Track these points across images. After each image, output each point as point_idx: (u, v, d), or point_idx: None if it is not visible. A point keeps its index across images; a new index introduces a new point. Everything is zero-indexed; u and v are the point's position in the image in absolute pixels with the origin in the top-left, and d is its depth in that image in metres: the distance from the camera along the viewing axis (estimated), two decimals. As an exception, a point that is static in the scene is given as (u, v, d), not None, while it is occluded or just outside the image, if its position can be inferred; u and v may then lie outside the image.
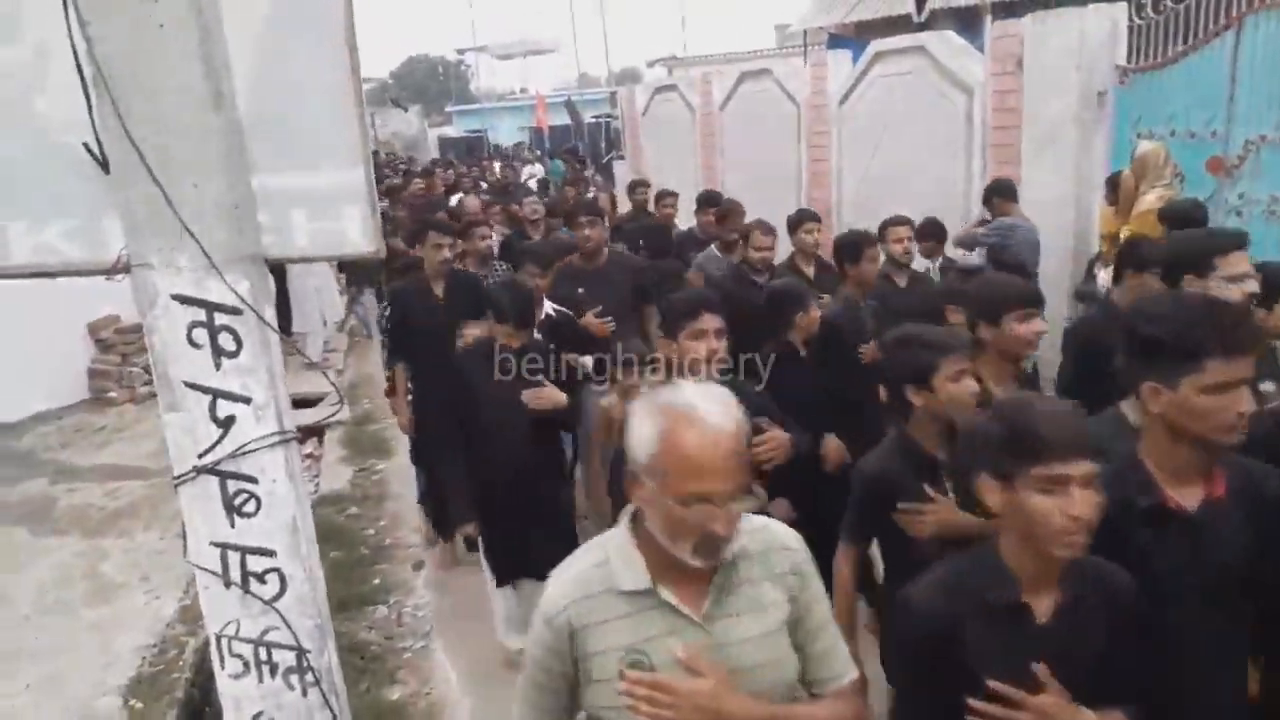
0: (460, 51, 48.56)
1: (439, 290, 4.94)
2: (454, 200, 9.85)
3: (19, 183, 1.93)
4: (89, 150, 1.81)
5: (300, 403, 7.95)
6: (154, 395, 2.11)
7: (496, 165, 20.05)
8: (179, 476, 1.98)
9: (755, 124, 9.71)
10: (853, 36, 13.39)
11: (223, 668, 2.10)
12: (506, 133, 36.92)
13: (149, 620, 4.35)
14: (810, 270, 5.19)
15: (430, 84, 55.95)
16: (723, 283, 5.16)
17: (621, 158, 14.13)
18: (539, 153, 24.15)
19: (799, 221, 5.32)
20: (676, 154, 11.36)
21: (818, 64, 8.69)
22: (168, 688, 3.91)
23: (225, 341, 1.91)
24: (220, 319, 1.89)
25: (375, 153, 23.64)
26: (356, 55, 1.90)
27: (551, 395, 3.78)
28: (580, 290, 5.03)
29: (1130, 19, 5.85)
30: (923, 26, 9.00)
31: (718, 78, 10.63)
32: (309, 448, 7.34)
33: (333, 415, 7.53)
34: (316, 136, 1.93)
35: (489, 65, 52.08)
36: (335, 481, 6.40)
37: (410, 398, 5.12)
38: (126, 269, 1.86)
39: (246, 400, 1.95)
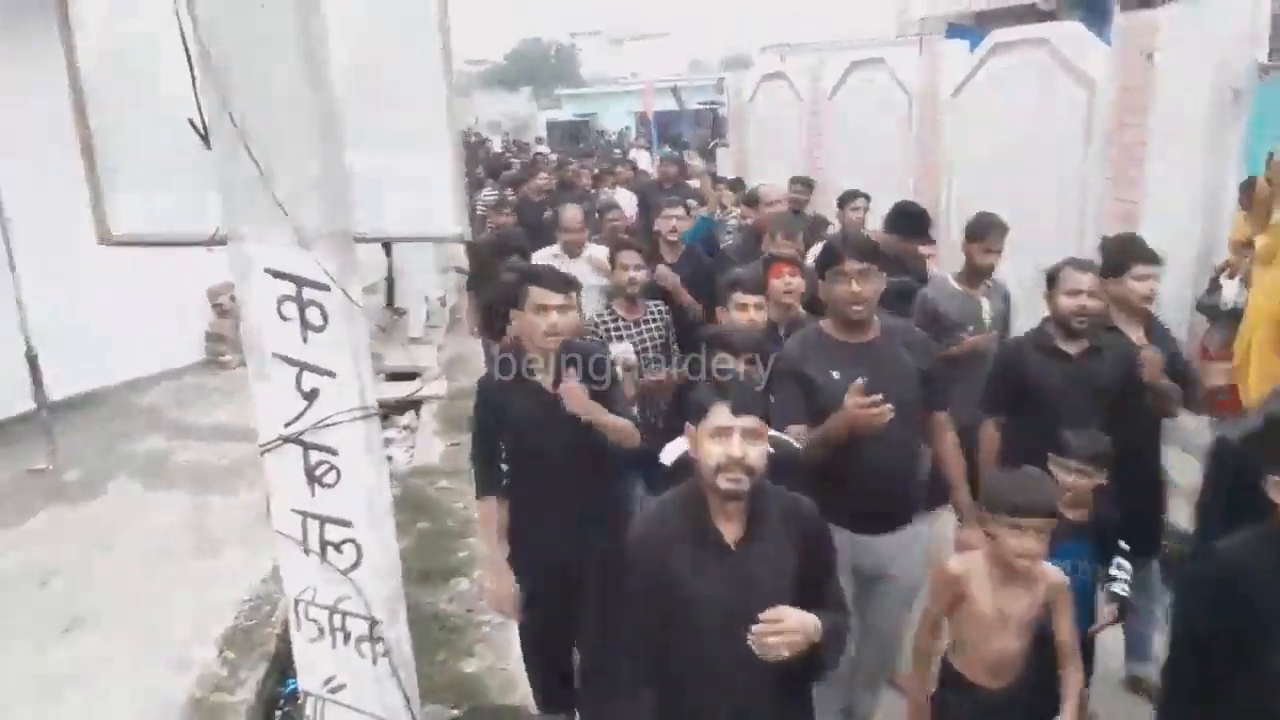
0: (573, 35, 48.92)
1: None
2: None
3: (133, 155, 2.02)
4: (193, 125, 1.89)
5: (400, 376, 8.29)
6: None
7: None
8: (265, 444, 2.05)
9: (864, 114, 9.49)
10: (973, 26, 12.93)
11: (299, 630, 2.18)
12: (614, 117, 37.08)
13: (247, 576, 4.55)
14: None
15: (542, 67, 56.58)
16: (1020, 352, 3.51)
17: (725, 144, 14.01)
18: (644, 140, 24.13)
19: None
20: (780, 142, 11.20)
21: (932, 54, 8.40)
22: (260, 641, 4.10)
23: (313, 316, 1.97)
24: (309, 294, 1.95)
25: (480, 137, 23.93)
26: (449, 40, 1.92)
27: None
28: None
29: (1274, 12, 5.44)
30: (1049, 15, 8.60)
31: (828, 65, 10.41)
32: (406, 420, 7.58)
33: (423, 389, 7.76)
34: (409, 119, 1.97)
35: (601, 49, 52.35)
36: (428, 454, 6.55)
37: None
38: (223, 241, 1.93)
39: (331, 374, 2.00)
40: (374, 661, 2.18)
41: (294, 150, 1.87)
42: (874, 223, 5.60)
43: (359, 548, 2.11)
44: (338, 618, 2.14)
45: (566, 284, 3.03)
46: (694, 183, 9.85)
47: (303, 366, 2.00)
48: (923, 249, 4.92)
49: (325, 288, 1.94)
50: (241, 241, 1.92)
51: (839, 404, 2.71)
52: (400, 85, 1.93)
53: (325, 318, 1.97)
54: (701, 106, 25.09)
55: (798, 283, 3.91)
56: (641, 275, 4.26)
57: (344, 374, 2.01)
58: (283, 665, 4.01)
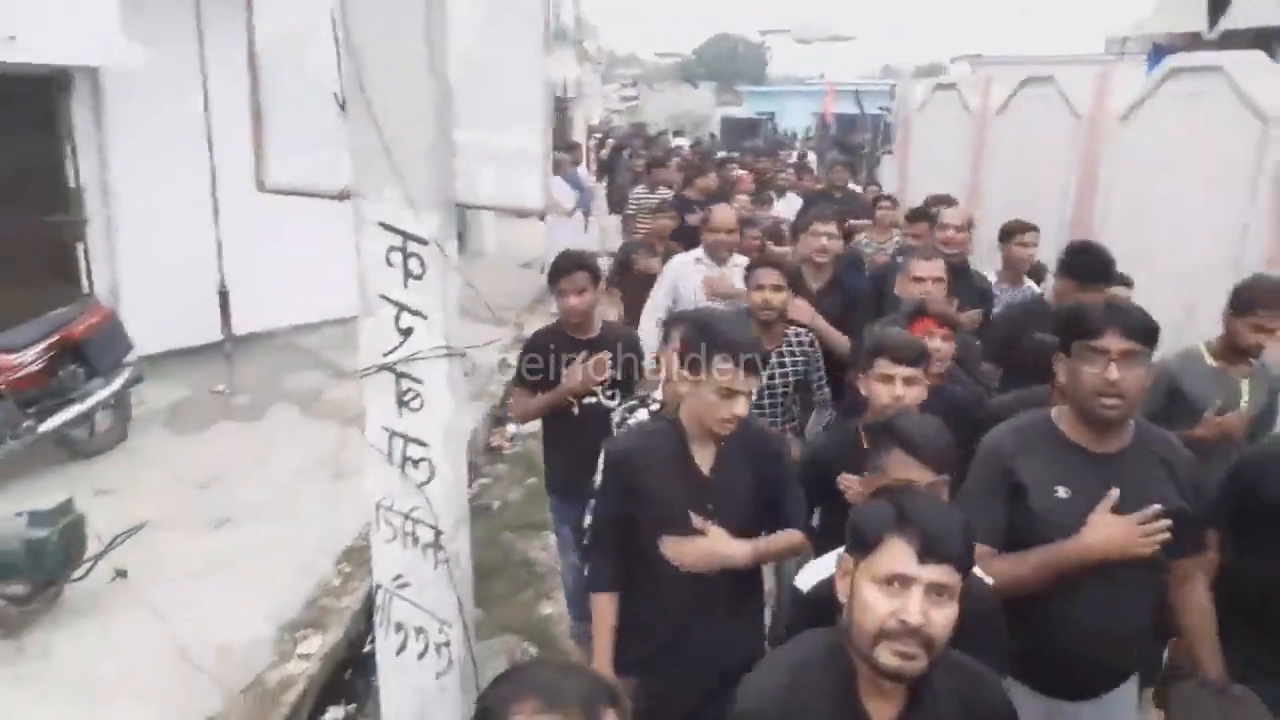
0: (762, 33, 48.81)
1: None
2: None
3: (288, 120, 2.45)
4: (335, 98, 2.29)
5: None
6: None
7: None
8: (364, 369, 2.44)
9: (1029, 132, 9.22)
10: (1185, 47, 12.12)
11: (378, 531, 2.57)
12: (794, 116, 36.92)
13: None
14: None
15: (729, 63, 56.78)
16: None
17: (890, 153, 13.84)
18: (812, 143, 23.98)
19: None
20: (945, 155, 11.00)
21: (1104, 75, 8.10)
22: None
23: (413, 266, 2.34)
24: (411, 247, 2.32)
25: (608, 133, 23.98)
26: (549, 34, 2.23)
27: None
28: None
29: None
30: (1224, 44, 8.09)
31: (999, 80, 10.15)
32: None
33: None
34: (510, 102, 2.29)
35: (789, 48, 52.00)
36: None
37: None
38: (348, 196, 2.32)
39: (424, 316, 2.37)
40: (435, 566, 2.53)
41: (410, 124, 2.24)
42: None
43: (433, 466, 2.47)
44: (409, 524, 2.51)
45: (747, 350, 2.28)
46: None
47: (401, 307, 2.37)
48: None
49: (425, 242, 2.30)
50: (362, 198, 2.31)
51: (1057, 531, 2.13)
52: (504, 74, 2.25)
53: (424, 268, 2.33)
54: (879, 112, 24.71)
55: (947, 349, 3.19)
56: (780, 298, 3.64)
57: (434, 317, 2.37)
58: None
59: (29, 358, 5.08)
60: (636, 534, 2.42)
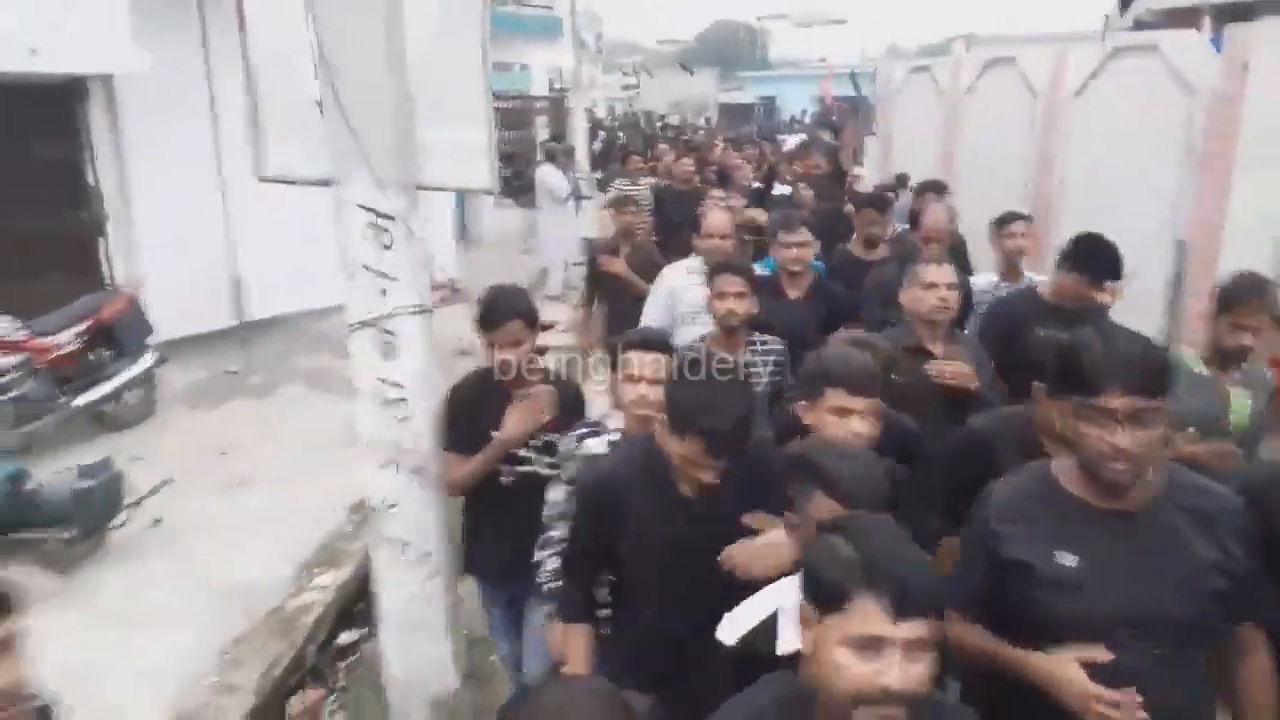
0: (759, 18, 49.15)
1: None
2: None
3: (280, 119, 2.98)
4: (317, 104, 2.81)
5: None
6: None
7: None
8: (351, 325, 2.97)
9: (995, 112, 9.66)
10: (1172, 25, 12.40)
11: (371, 460, 3.10)
12: (795, 100, 37.21)
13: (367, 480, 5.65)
14: None
15: (731, 49, 57.00)
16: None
17: (874, 134, 14.27)
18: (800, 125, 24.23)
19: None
20: (920, 136, 11.44)
21: (1060, 54, 8.52)
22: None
23: (385, 239, 2.86)
24: (383, 223, 2.84)
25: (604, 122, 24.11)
26: (488, 50, 2.74)
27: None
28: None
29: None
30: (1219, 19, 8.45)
31: (966, 62, 10.58)
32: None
33: (550, 340, 8.73)
34: (459, 103, 2.81)
35: (789, 33, 52.26)
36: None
37: None
38: (329, 182, 2.84)
39: (396, 279, 2.89)
40: (418, 489, 3.07)
41: (377, 123, 2.76)
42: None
43: (410, 405, 3.00)
44: (395, 453, 3.04)
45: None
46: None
47: (378, 273, 2.90)
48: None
49: (393, 219, 2.82)
50: (341, 184, 2.83)
51: (1069, 605, 1.83)
52: (453, 80, 2.77)
53: (393, 240, 2.86)
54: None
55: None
56: (745, 305, 3.42)
57: (405, 280, 2.90)
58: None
59: (64, 340, 5.66)
60: (618, 566, 2.32)
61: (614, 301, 5.50)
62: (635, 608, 2.38)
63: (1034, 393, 2.49)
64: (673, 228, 6.85)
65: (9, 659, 1.52)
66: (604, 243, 5.92)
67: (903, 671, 1.34)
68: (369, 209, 2.82)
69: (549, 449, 2.95)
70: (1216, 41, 6.77)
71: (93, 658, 3.78)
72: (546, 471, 2.95)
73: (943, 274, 3.34)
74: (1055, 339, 2.30)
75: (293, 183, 2.98)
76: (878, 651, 1.35)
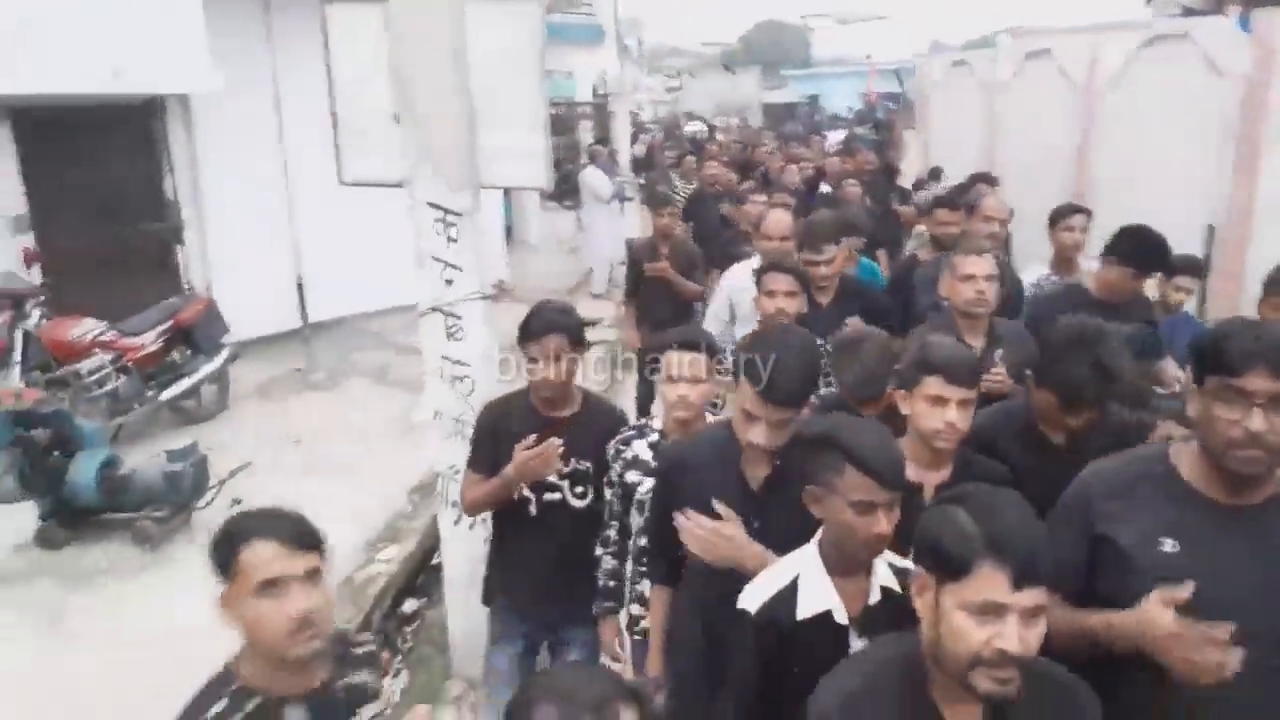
0: (803, 17, 49.15)
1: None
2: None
3: (360, 129, 3.34)
4: (395, 117, 3.16)
5: (582, 323, 9.70)
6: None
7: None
8: (422, 311, 3.32)
9: (1036, 104, 9.77)
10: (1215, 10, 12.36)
11: (439, 434, 3.44)
12: (840, 98, 37.17)
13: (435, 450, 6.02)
14: None
15: (774, 49, 57.01)
16: None
17: (913, 129, 14.41)
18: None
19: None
20: (960, 131, 11.57)
21: (1096, 45, 8.63)
22: (435, 494, 5.54)
23: (452, 233, 3.20)
24: (450, 218, 3.18)
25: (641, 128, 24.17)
26: (543, 67, 3.08)
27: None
28: None
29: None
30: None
31: (1005, 54, 10.70)
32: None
33: (594, 335, 9.05)
34: (517, 112, 3.15)
35: (832, 31, 52.13)
36: (585, 382, 7.86)
37: None
38: (401, 184, 3.19)
39: (460, 269, 3.24)
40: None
41: (444, 131, 3.11)
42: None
43: (473, 383, 3.34)
44: (460, 426, 3.38)
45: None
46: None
47: (445, 264, 3.24)
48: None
49: (460, 215, 3.17)
50: (413, 185, 3.18)
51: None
52: (512, 93, 3.11)
53: (458, 234, 3.20)
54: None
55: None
56: (794, 304, 3.38)
57: (469, 270, 3.24)
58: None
59: (148, 340, 6.12)
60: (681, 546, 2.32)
61: (654, 303, 5.56)
62: (695, 593, 2.37)
63: (1025, 381, 2.54)
64: (703, 232, 6.89)
65: (317, 589, 1.70)
66: (643, 243, 5.86)
67: (1020, 636, 1.39)
68: (438, 206, 3.16)
69: (580, 478, 2.82)
70: (1245, 22, 6.86)
71: (183, 622, 4.16)
72: (576, 502, 2.84)
73: (981, 265, 3.22)
74: (1070, 326, 2.39)
75: (371, 185, 3.33)
76: (998, 617, 1.40)
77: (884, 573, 1.93)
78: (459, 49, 3.06)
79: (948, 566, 1.45)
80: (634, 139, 19.32)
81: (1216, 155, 6.69)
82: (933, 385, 2.28)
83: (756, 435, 1.83)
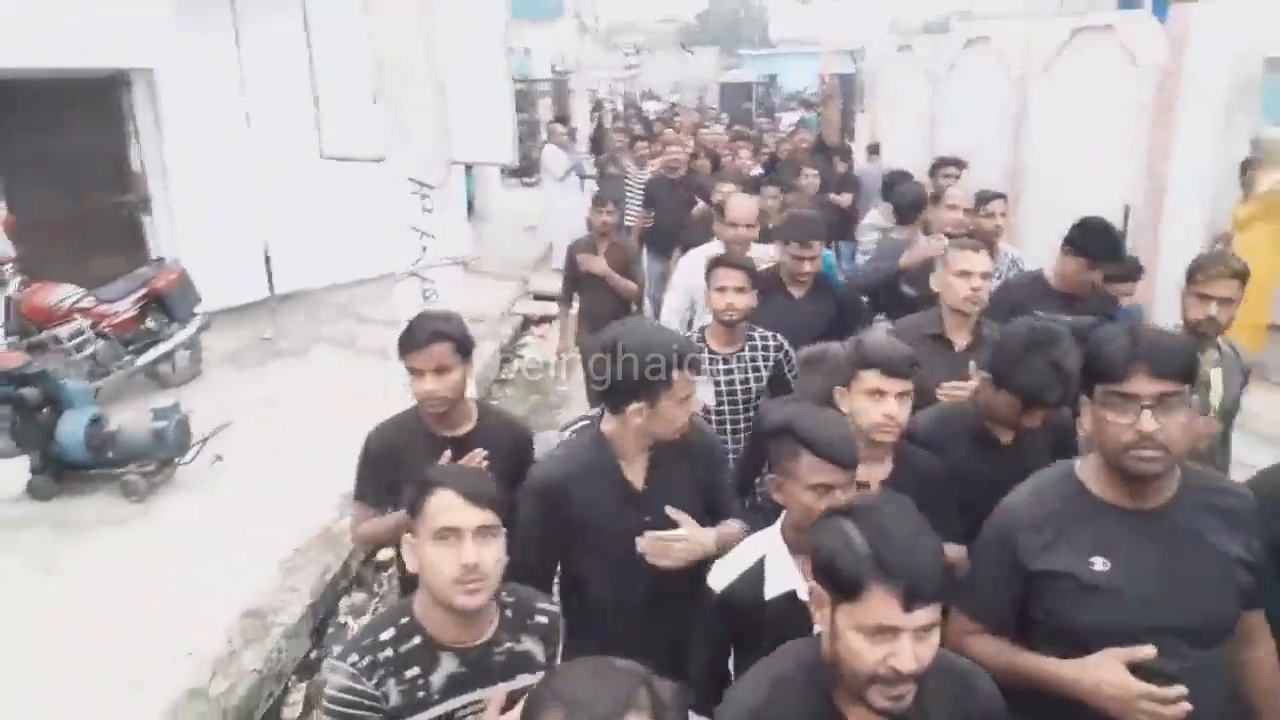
0: (760, -5, 49.44)
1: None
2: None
3: (340, 105, 3.65)
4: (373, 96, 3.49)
5: (542, 297, 10.03)
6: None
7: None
8: (397, 276, 3.66)
9: (973, 89, 10.23)
10: None
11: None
12: (796, 79, 37.49)
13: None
14: None
15: (731, 28, 57.15)
16: None
17: (863, 111, 14.86)
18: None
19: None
20: (905, 114, 12.00)
21: (1031, 34, 9.12)
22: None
23: (427, 203, 3.55)
24: (425, 190, 3.53)
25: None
26: (507, 40, 3.42)
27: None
28: None
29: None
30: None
31: (946, 43, 11.17)
32: (541, 330, 9.38)
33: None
34: (485, 94, 3.49)
35: (791, 9, 52.41)
36: (548, 354, 8.22)
37: None
38: (382, 158, 3.52)
39: (433, 236, 3.58)
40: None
41: (418, 107, 3.44)
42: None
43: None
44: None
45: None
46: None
47: (421, 232, 3.58)
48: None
49: (432, 187, 3.51)
50: (397, 160, 3.52)
51: (1102, 610, 1.82)
52: (479, 76, 3.45)
53: (433, 206, 3.54)
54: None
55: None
56: (745, 300, 3.36)
57: (441, 237, 3.59)
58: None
59: (124, 307, 6.36)
60: (571, 565, 2.36)
61: (594, 302, 5.52)
62: (590, 614, 2.33)
63: (980, 381, 2.58)
64: (664, 219, 6.82)
65: (488, 547, 1.76)
66: (583, 241, 5.76)
67: (913, 654, 1.42)
68: (415, 180, 3.50)
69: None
70: (1163, 12, 7.39)
71: (171, 568, 4.50)
72: None
73: (979, 262, 3.16)
74: (1022, 326, 2.47)
75: (352, 160, 3.65)
76: (890, 638, 1.43)
77: None
78: (427, 31, 3.39)
79: (841, 588, 1.48)
80: (592, 116, 19.54)
81: (1133, 141, 7.23)
82: (870, 379, 2.36)
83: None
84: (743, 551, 2.11)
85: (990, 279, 3.25)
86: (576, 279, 5.67)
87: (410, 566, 1.81)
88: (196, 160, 8.07)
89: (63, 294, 6.10)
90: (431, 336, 2.57)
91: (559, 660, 1.94)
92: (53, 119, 7.47)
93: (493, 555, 1.77)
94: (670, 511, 2.28)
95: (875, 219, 5.75)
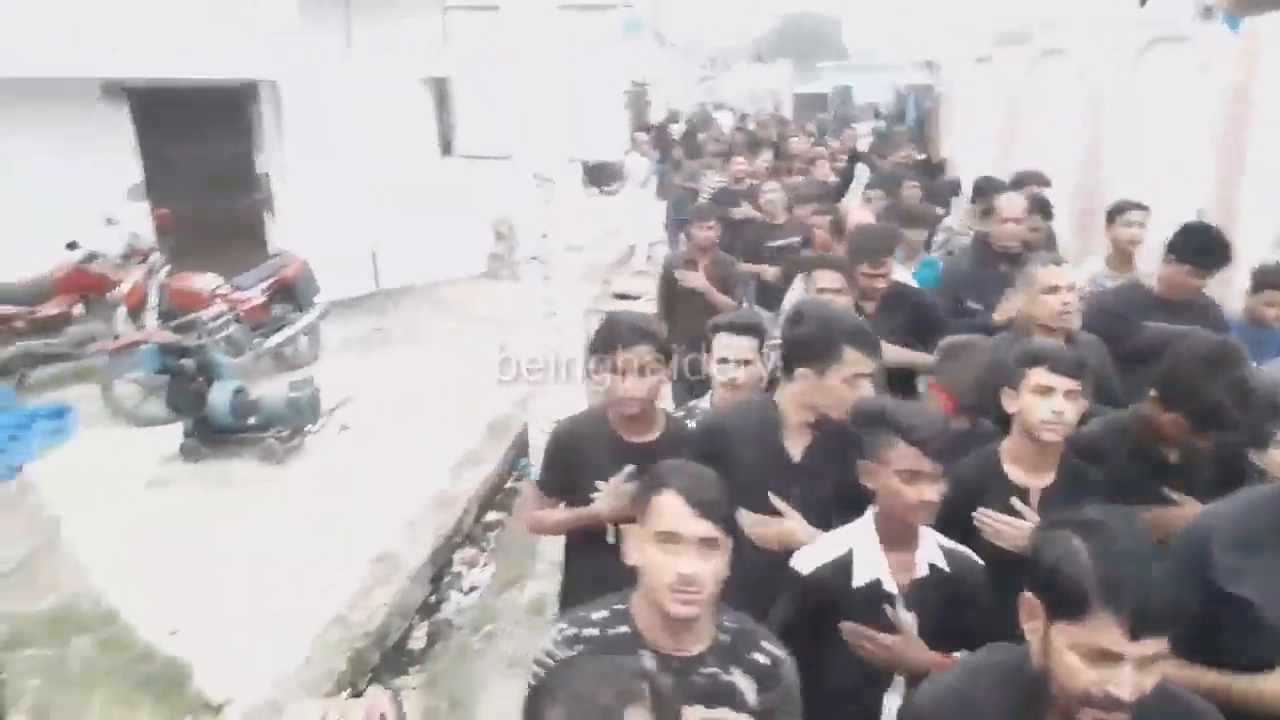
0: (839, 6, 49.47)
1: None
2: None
3: (471, 114, 4.20)
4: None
5: (622, 296, 10.55)
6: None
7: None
8: (524, 259, 4.17)
9: (1050, 101, 10.42)
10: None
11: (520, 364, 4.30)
12: (871, 90, 37.29)
13: (507, 398, 6.80)
14: None
15: (806, 40, 57.17)
16: None
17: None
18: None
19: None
20: (982, 125, 12.17)
21: (1109, 47, 9.30)
22: (508, 431, 6.39)
23: (547, 196, 4.06)
24: (545, 185, 4.03)
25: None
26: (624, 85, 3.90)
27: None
28: None
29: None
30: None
31: (1026, 52, 11.35)
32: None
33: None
34: (599, 110, 3.98)
35: (865, 21, 52.25)
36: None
37: None
38: (509, 157, 4.05)
39: (553, 226, 4.08)
40: (566, 381, 4.26)
41: (541, 112, 3.95)
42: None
43: (560, 318, 4.20)
44: (551, 350, 4.23)
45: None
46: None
47: (541, 221, 4.09)
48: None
49: (552, 182, 4.02)
50: (519, 158, 4.04)
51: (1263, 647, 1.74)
52: (596, 79, 3.94)
53: (550, 198, 4.05)
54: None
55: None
56: (843, 302, 3.30)
57: (559, 227, 4.10)
58: (519, 449, 6.26)
59: (256, 295, 7.06)
60: None
61: (688, 316, 5.00)
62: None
63: (1147, 398, 2.43)
64: (731, 228, 6.26)
65: (708, 561, 1.65)
66: (679, 256, 5.52)
67: (1135, 683, 1.33)
68: (538, 175, 4.02)
69: None
70: (1234, 23, 7.52)
71: (308, 521, 5.08)
72: None
73: (1064, 275, 3.06)
74: (1163, 331, 2.38)
75: (483, 158, 4.19)
76: (1111, 664, 1.34)
77: (932, 550, 2.08)
78: (553, 45, 3.91)
79: (1060, 605, 1.39)
80: (662, 129, 19.81)
81: (1207, 150, 7.40)
82: (1038, 376, 2.32)
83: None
84: (832, 539, 2.15)
85: (1076, 290, 3.16)
86: (675, 293, 5.24)
87: (630, 559, 1.75)
88: (312, 165, 8.79)
89: (206, 282, 6.82)
90: (639, 336, 2.49)
91: (778, 713, 1.76)
92: (189, 127, 8.26)
93: (713, 569, 1.66)
94: (776, 502, 2.32)
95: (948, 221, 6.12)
